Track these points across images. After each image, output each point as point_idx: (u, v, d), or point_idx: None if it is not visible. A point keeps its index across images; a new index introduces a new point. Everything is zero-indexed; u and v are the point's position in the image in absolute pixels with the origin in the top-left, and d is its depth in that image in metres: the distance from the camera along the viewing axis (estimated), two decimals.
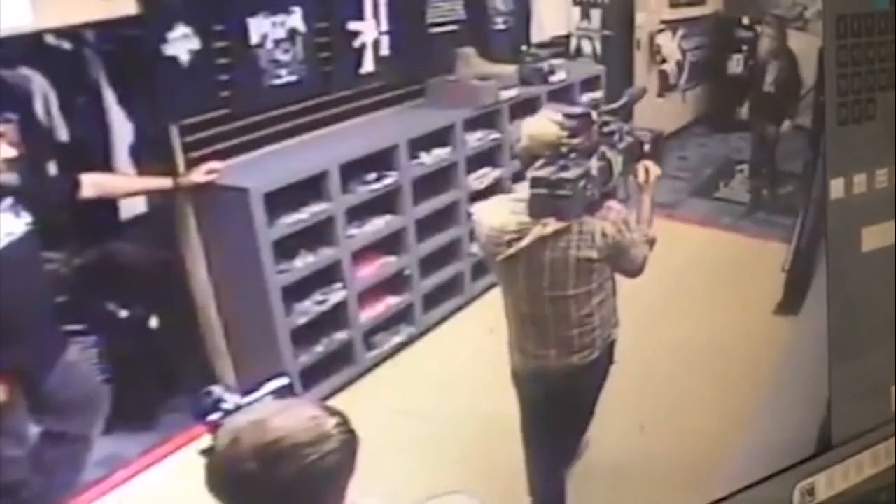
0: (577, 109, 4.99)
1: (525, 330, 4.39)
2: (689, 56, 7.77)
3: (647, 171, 4.62)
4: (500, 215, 4.38)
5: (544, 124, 4.44)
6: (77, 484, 3.95)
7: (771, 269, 6.15)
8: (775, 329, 6.00)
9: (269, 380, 2.45)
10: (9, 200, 3.59)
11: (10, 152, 3.54)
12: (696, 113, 7.80)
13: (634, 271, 4.27)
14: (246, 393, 2.43)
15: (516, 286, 4.30)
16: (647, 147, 5.04)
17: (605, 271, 4.16)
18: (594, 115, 4.84)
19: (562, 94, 6.32)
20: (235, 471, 2.02)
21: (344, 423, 2.11)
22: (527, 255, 4.11)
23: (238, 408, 2.29)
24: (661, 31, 7.48)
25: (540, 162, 4.11)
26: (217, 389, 2.34)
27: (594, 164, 4.39)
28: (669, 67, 7.69)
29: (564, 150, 4.31)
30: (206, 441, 2.41)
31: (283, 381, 2.35)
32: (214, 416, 2.30)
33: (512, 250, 4.21)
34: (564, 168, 4.22)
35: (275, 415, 2.09)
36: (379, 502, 2.58)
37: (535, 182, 4.15)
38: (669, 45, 7.61)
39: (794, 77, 6.93)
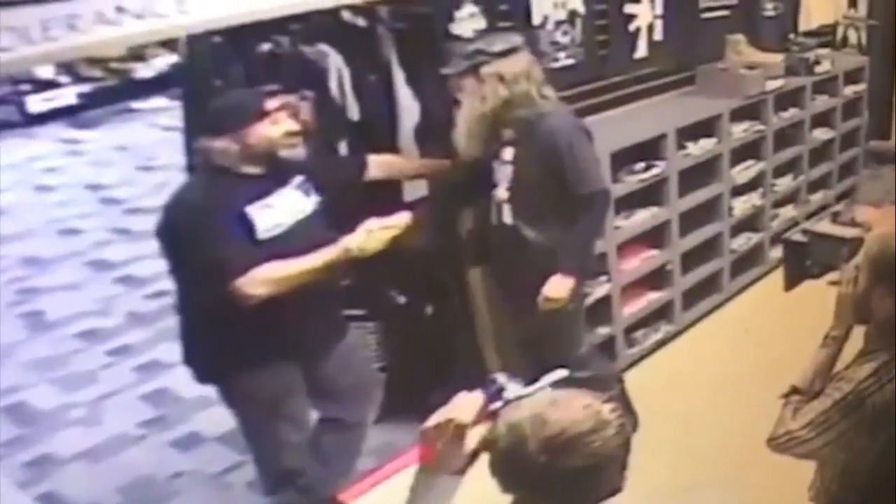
0: None
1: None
2: None
3: None
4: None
5: None
6: (352, 472, 3.67)
7: None
8: None
9: (548, 371, 2.13)
10: (299, 178, 3.27)
11: (295, 126, 3.21)
12: None
13: None
14: (527, 384, 2.12)
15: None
16: None
17: None
18: None
19: (825, 86, 5.77)
20: (526, 464, 1.87)
21: (618, 406, 1.92)
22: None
23: (519, 398, 2.03)
24: None
25: None
26: (501, 377, 2.05)
27: None
28: None
29: None
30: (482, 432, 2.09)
31: (563, 372, 2.09)
32: (497, 405, 2.04)
33: None
34: None
35: (549, 408, 1.90)
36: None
37: None
38: None
39: None
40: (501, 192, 3.68)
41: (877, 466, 2.48)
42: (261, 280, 2.98)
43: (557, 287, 3.62)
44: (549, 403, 1.90)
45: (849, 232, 3.10)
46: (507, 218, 3.69)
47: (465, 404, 2.03)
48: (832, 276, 2.72)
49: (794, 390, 2.53)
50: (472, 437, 2.00)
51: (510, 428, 1.90)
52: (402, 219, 3.23)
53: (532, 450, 1.84)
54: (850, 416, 2.35)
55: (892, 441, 2.42)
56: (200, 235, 2.99)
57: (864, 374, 2.35)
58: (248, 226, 3.03)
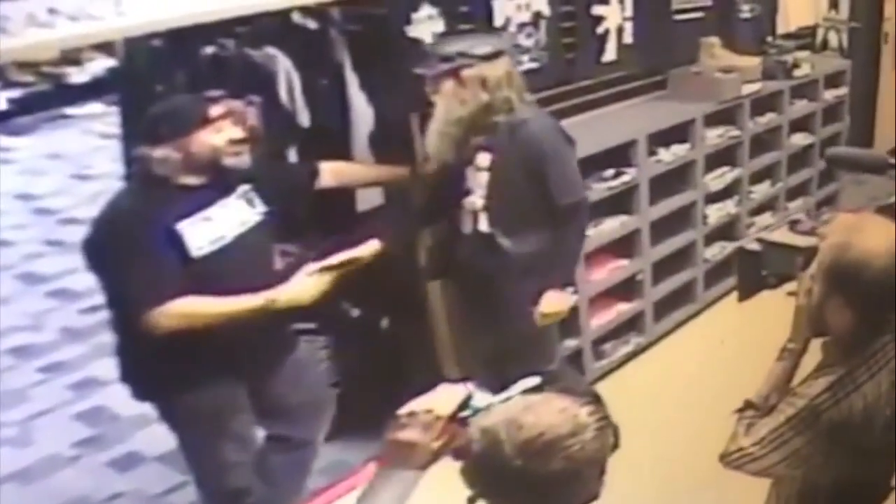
0: None
1: None
2: None
3: None
4: None
5: None
6: (301, 492, 3.65)
7: None
8: None
9: (519, 379, 2.15)
10: (243, 188, 3.22)
11: (240, 133, 3.16)
12: None
13: None
14: (496, 392, 2.15)
15: None
16: None
17: None
18: None
19: (805, 90, 5.75)
20: (501, 469, 1.87)
21: (597, 409, 1.92)
22: None
23: (489, 406, 2.03)
24: None
25: None
26: (469, 386, 2.09)
27: None
28: None
29: None
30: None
31: (535, 380, 2.11)
32: (465, 414, 2.05)
33: None
34: None
35: (523, 412, 1.90)
36: None
37: None
38: None
39: None
40: (476, 200, 3.63)
41: (836, 485, 2.46)
42: (174, 314, 2.95)
43: (557, 302, 3.63)
44: (523, 408, 1.90)
45: (803, 241, 3.07)
46: (483, 226, 3.63)
47: (446, 397, 2.04)
48: (790, 286, 2.64)
49: (749, 405, 2.53)
50: (442, 436, 1.97)
51: (483, 432, 1.90)
52: (346, 257, 3.23)
53: (507, 454, 1.84)
54: (805, 432, 2.34)
55: (850, 458, 2.39)
56: (123, 257, 2.95)
57: (818, 389, 2.34)
58: (178, 245, 2.97)
